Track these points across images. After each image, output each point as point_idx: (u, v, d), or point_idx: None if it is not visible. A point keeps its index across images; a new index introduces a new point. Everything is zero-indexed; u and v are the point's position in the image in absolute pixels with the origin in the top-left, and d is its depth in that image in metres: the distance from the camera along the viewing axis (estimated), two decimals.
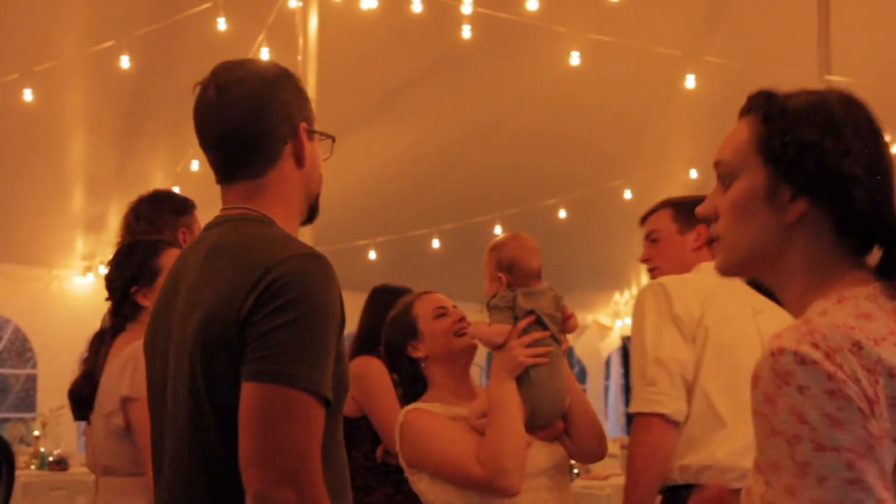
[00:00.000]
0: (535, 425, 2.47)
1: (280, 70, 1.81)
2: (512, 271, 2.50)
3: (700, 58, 7.25)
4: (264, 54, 6.63)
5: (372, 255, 9.26)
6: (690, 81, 7.08)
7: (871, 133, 1.37)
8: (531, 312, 2.46)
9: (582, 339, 11.83)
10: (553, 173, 8.76)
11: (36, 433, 7.54)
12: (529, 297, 2.47)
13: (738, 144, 1.41)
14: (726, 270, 1.46)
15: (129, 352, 2.70)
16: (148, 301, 2.77)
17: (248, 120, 1.73)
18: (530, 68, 7.73)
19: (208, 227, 1.82)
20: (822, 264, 1.37)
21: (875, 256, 1.40)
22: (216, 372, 1.63)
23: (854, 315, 1.30)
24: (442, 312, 2.62)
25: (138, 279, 2.81)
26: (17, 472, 6.47)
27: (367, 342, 3.65)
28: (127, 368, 2.68)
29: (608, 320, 12.30)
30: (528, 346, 2.42)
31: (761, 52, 7.44)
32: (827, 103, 1.39)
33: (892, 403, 1.23)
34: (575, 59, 6.89)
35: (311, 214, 1.88)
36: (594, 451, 2.60)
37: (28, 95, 6.78)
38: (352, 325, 3.60)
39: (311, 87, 5.27)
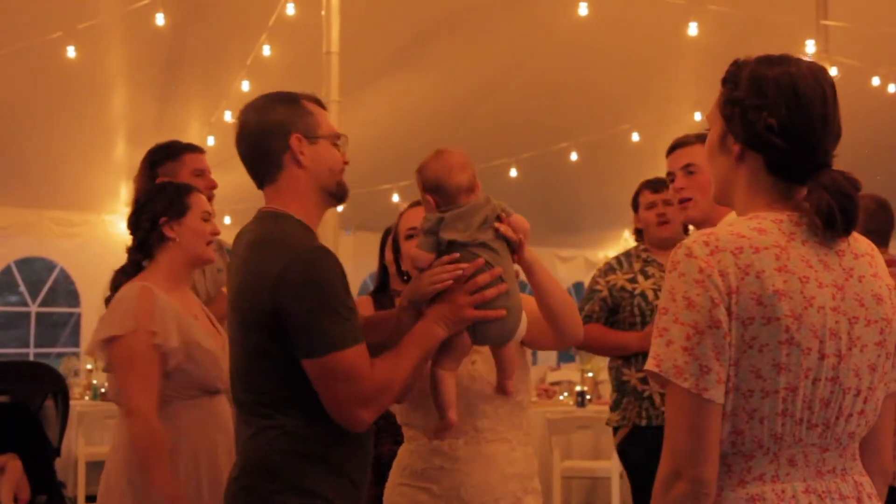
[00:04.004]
0: (478, 343, 2.28)
1: (276, 97, 2.29)
2: (437, 192, 2.26)
3: (703, 6, 7.37)
4: (290, 9, 6.80)
5: (395, 197, 9.41)
6: (693, 29, 7.21)
7: (795, 94, 1.65)
8: (452, 244, 2.21)
9: (592, 275, 12.02)
10: (565, 118, 8.88)
11: (89, 367, 7.87)
12: (457, 221, 2.21)
13: (712, 104, 1.77)
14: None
15: (120, 293, 2.94)
16: (174, 233, 2.99)
17: (252, 145, 2.26)
18: (543, 18, 7.87)
19: (252, 221, 2.30)
20: (755, 195, 1.70)
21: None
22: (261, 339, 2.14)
23: (751, 228, 1.63)
24: (411, 234, 2.55)
25: (168, 211, 3.01)
26: (73, 403, 6.89)
27: (380, 282, 3.71)
28: (109, 313, 2.93)
29: None
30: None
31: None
32: (763, 69, 1.69)
33: (751, 296, 1.57)
34: (583, 9, 7.13)
35: (338, 197, 2.32)
36: (574, 332, 2.40)
37: (71, 52, 6.97)
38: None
39: (334, 40, 5.41)
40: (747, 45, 2.11)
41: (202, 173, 3.57)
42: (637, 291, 3.93)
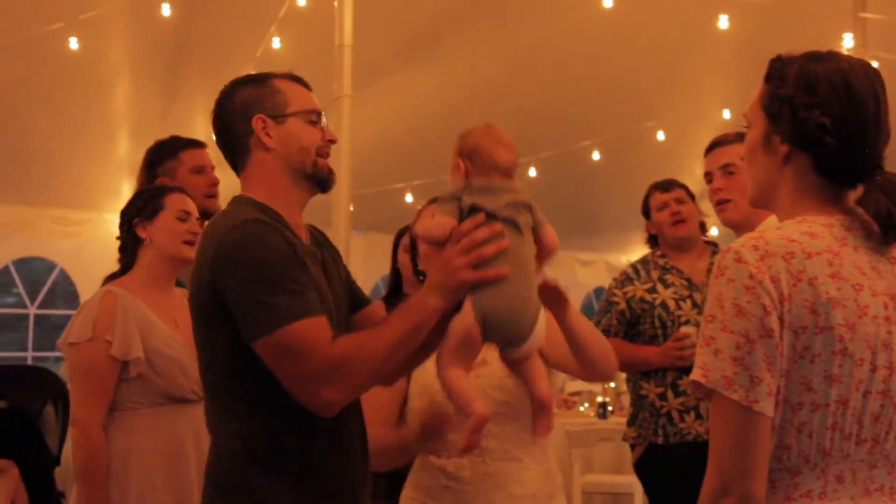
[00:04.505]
0: (489, 340, 1.96)
1: (242, 79, 2.18)
2: (472, 159, 2.01)
3: None
4: None
5: (409, 197, 9.37)
6: (723, 21, 7.08)
7: (848, 92, 1.60)
8: (474, 208, 1.94)
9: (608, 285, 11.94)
10: (586, 115, 8.78)
11: None
12: (481, 191, 1.96)
13: (752, 102, 1.70)
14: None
15: (88, 299, 3.02)
16: (146, 234, 3.03)
17: (220, 132, 2.16)
18: (563, 8, 7.74)
19: None
20: (802, 197, 1.65)
21: None
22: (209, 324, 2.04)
23: (801, 232, 1.59)
24: None
25: (141, 212, 3.05)
26: None
27: (392, 286, 3.66)
28: (75, 317, 2.98)
29: None
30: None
31: None
32: (812, 66, 1.63)
33: (803, 304, 1.53)
34: (608, 0, 6.93)
35: (317, 179, 2.13)
36: (606, 368, 2.27)
37: (73, 44, 6.95)
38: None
39: (347, 32, 5.29)
40: (780, 40, 2.02)
41: (202, 170, 3.52)
42: (657, 302, 3.78)
